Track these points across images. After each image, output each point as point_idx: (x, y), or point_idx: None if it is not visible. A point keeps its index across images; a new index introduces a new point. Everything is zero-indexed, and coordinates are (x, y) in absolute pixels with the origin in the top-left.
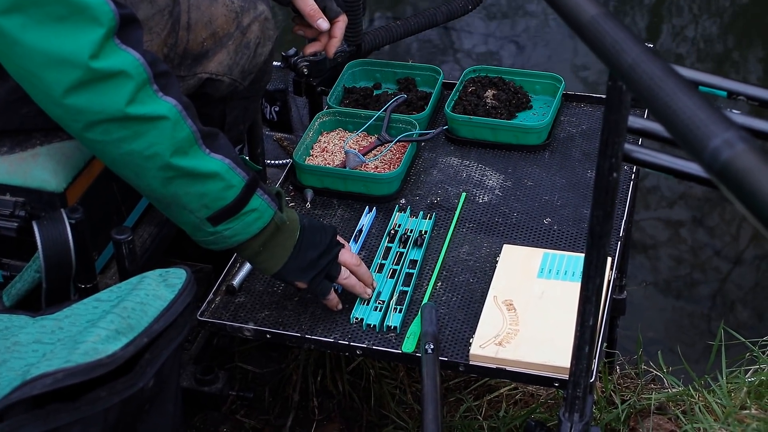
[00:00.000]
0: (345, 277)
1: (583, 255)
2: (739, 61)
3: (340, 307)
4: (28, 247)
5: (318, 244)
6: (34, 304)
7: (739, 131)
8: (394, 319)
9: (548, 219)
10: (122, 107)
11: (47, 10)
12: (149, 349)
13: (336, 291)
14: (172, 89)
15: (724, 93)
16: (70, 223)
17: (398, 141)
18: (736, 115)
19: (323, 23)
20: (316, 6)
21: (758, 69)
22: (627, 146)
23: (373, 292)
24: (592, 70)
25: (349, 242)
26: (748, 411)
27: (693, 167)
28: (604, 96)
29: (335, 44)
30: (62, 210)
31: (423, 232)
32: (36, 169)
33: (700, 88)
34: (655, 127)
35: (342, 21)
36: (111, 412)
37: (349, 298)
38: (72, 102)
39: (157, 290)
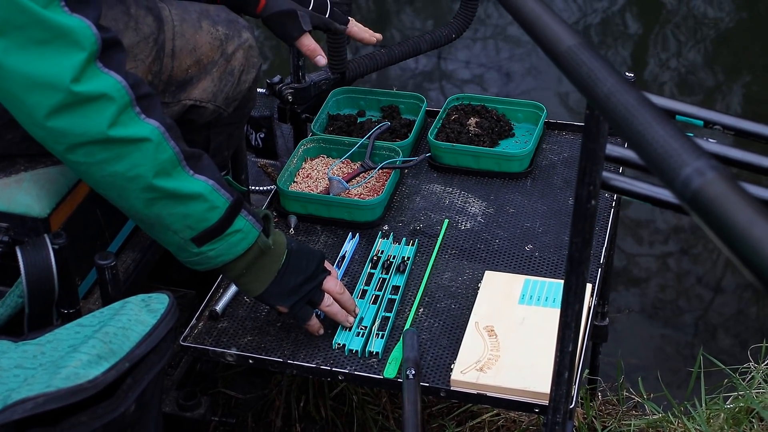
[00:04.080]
0: (327, 304)
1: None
2: (725, 90)
3: (321, 332)
4: (11, 272)
5: (303, 269)
6: (16, 329)
7: (709, 160)
8: (376, 345)
9: (530, 246)
10: (104, 130)
11: (29, 34)
12: (131, 374)
13: (318, 316)
14: (154, 111)
15: (701, 122)
16: (54, 249)
17: (382, 168)
18: (712, 144)
19: (321, 59)
20: (314, 44)
21: (742, 99)
22: (605, 174)
23: (356, 319)
24: (577, 93)
25: None
26: None
27: (669, 195)
28: None
29: (362, 35)
30: (45, 235)
31: (405, 258)
32: (20, 194)
33: (678, 117)
34: (633, 155)
35: (351, 22)
36: None
37: (332, 323)
38: (54, 125)
39: (139, 315)
